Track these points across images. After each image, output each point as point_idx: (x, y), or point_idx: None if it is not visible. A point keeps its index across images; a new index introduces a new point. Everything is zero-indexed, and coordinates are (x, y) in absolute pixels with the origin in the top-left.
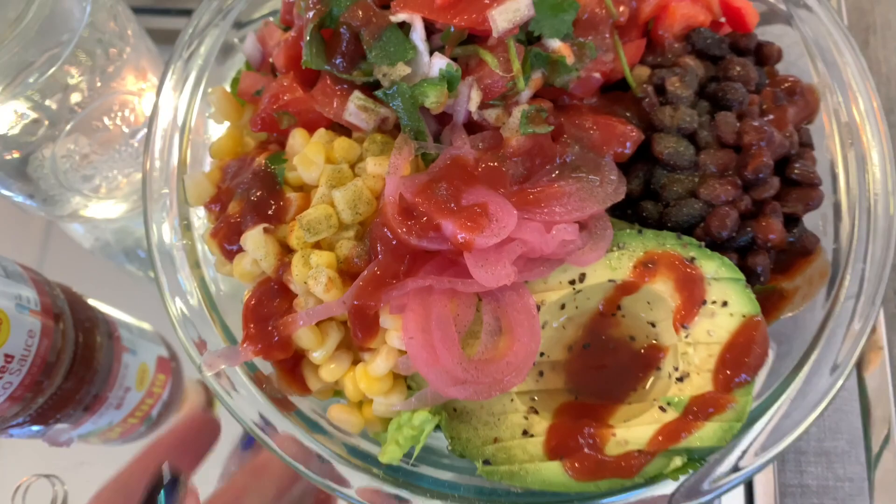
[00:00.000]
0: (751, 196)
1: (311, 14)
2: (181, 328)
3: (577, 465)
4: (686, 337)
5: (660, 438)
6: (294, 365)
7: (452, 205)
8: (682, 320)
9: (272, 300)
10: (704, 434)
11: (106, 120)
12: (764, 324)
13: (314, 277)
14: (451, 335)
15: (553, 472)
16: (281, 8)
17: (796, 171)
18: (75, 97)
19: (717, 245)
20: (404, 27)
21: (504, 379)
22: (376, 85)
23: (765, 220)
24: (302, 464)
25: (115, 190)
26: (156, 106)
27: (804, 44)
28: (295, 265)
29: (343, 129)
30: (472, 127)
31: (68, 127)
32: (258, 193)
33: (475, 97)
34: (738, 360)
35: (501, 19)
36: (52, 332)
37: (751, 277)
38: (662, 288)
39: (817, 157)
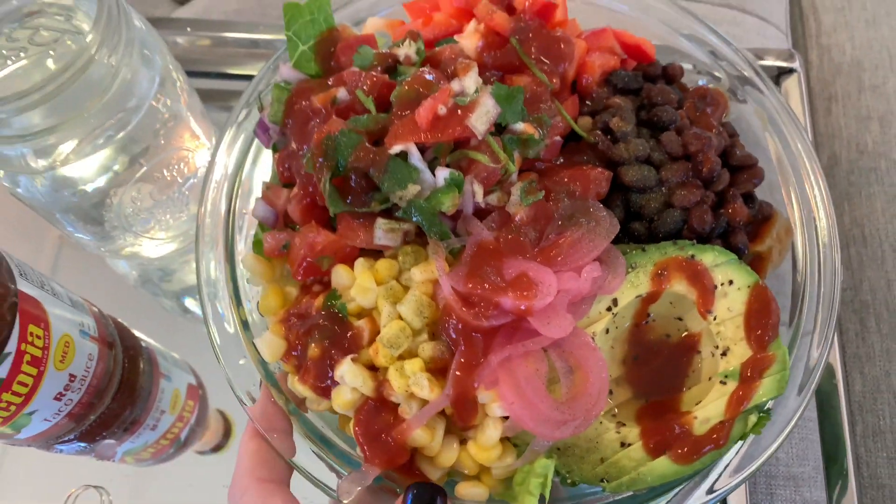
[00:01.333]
0: (712, 191)
1: (321, 169)
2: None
3: (679, 452)
4: (714, 319)
5: (732, 406)
6: (410, 463)
7: (500, 282)
8: (706, 307)
9: (378, 415)
10: (764, 389)
11: (165, 172)
12: (766, 287)
13: (416, 383)
14: (540, 389)
15: (664, 466)
16: (274, 169)
17: (736, 158)
18: (142, 153)
19: (703, 238)
20: (402, 155)
21: (592, 408)
22: (391, 208)
23: (730, 205)
24: None
25: (165, 231)
26: (212, 161)
27: (761, 120)
28: (393, 379)
29: (372, 252)
30: (477, 213)
31: (135, 178)
32: (328, 334)
33: (478, 191)
34: (760, 321)
35: (480, 124)
36: (106, 357)
37: (737, 253)
38: (679, 287)
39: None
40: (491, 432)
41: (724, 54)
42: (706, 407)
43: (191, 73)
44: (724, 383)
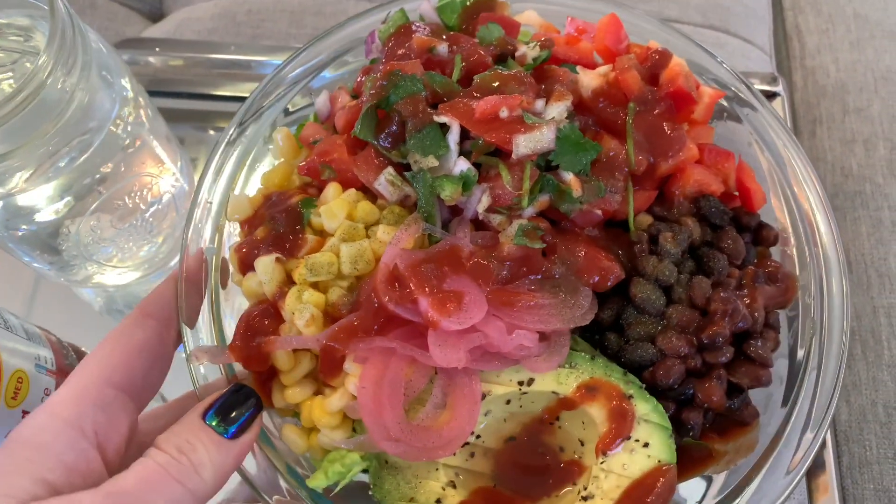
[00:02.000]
0: (703, 357)
1: (371, 94)
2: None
3: None
4: (602, 463)
5: None
6: (266, 379)
7: (434, 285)
8: (604, 447)
9: (264, 319)
10: None
11: (126, 199)
12: (674, 474)
13: (300, 312)
14: (398, 395)
15: None
16: (356, 79)
17: (751, 349)
18: (101, 180)
19: (658, 391)
20: (444, 128)
21: (434, 448)
22: (408, 167)
23: (709, 382)
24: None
25: (129, 259)
26: (201, 179)
27: (754, 140)
28: (289, 297)
29: (370, 195)
30: (478, 224)
31: (93, 206)
32: (283, 227)
33: (485, 201)
34: (640, 498)
35: (523, 145)
36: None
37: (682, 429)
38: (597, 413)
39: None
40: (336, 400)
41: (716, 73)
42: None
43: (162, 94)
44: None
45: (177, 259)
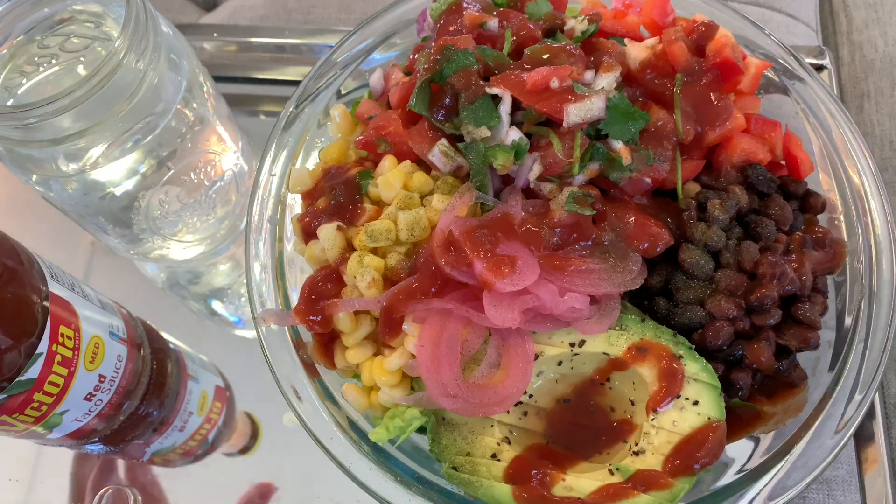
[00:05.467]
0: (751, 320)
1: (425, 68)
2: (255, 288)
3: (524, 494)
4: (652, 420)
5: (599, 494)
6: (329, 341)
7: (488, 249)
8: (655, 405)
9: (327, 283)
10: (637, 503)
11: (192, 175)
12: (724, 430)
13: (362, 275)
14: (455, 354)
15: (502, 493)
16: (409, 57)
17: (799, 312)
18: (169, 156)
19: (707, 352)
20: (496, 99)
21: (489, 404)
22: (460, 138)
23: (757, 344)
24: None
25: (192, 234)
26: (263, 155)
27: (801, 111)
28: (351, 261)
29: (424, 167)
30: (528, 193)
31: (162, 181)
32: (342, 197)
33: (536, 169)
34: (690, 453)
35: (574, 114)
36: (135, 358)
37: (730, 390)
38: (647, 373)
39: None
40: (396, 359)
41: (763, 47)
42: (579, 479)
43: (217, 79)
44: (612, 473)
45: (234, 235)
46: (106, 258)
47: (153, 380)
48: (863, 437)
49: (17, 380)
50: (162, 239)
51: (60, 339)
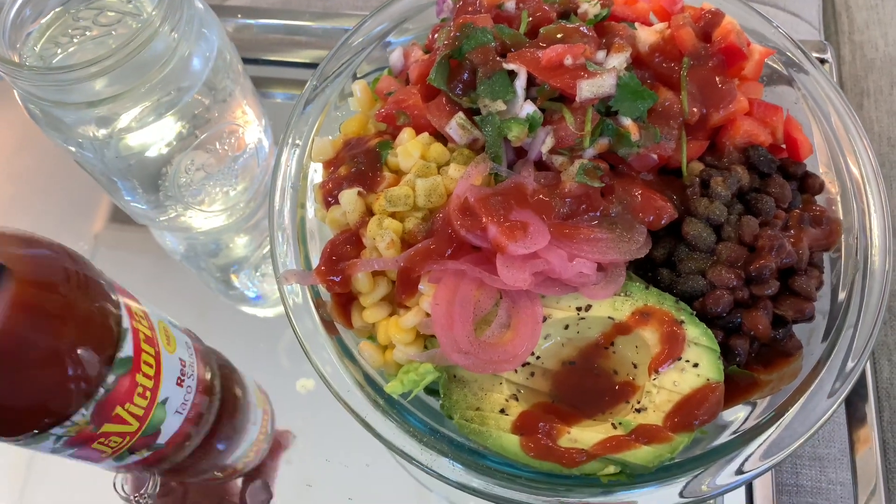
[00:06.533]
0: (750, 290)
1: (445, 44)
2: (278, 250)
3: (530, 443)
4: (654, 379)
5: (602, 445)
6: (347, 302)
7: (501, 215)
8: (657, 366)
9: (347, 246)
10: (639, 453)
11: (217, 145)
12: (722, 391)
13: (381, 236)
14: (468, 312)
15: (510, 443)
16: (428, 36)
17: (796, 283)
18: (198, 124)
19: (707, 319)
20: (511, 75)
21: (499, 361)
22: (476, 112)
23: (755, 312)
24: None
25: (215, 204)
26: (284, 136)
27: (804, 101)
28: (371, 224)
29: (441, 139)
30: (540, 166)
31: (189, 148)
32: (363, 165)
33: (549, 142)
34: (690, 411)
35: (586, 89)
36: (199, 349)
37: (729, 356)
38: (650, 336)
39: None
40: (411, 317)
41: (768, 38)
42: (583, 432)
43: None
44: (615, 427)
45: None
46: (111, 252)
47: (223, 378)
48: (856, 419)
49: (117, 356)
50: (185, 207)
51: (137, 318)
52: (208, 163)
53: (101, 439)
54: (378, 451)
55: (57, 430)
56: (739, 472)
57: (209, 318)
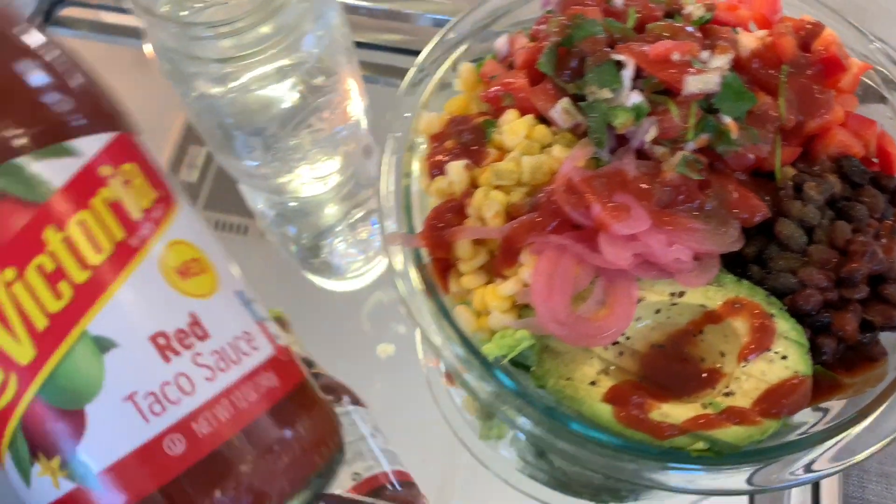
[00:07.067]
0: (840, 292)
1: (555, 32)
2: (385, 212)
3: (622, 413)
4: (743, 366)
5: (693, 422)
6: (445, 268)
7: (604, 195)
8: (746, 355)
9: (451, 213)
10: (729, 432)
11: (327, 113)
12: (809, 384)
13: (489, 206)
14: (567, 285)
15: (602, 410)
16: (533, 28)
17: (886, 290)
18: (312, 91)
19: (796, 316)
20: (619, 65)
21: (592, 336)
22: (580, 98)
23: (844, 314)
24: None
25: (315, 170)
26: (390, 115)
27: None
28: (478, 194)
29: (544, 123)
30: (640, 154)
31: (303, 112)
32: (470, 140)
33: (653, 131)
34: (778, 399)
35: (693, 84)
36: None
37: (815, 354)
38: (740, 326)
39: None
40: (511, 285)
41: (866, 53)
42: (674, 408)
43: None
44: (705, 407)
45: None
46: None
47: None
48: None
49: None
50: (289, 170)
51: None
52: (317, 129)
53: None
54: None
55: None
56: (808, 469)
57: (287, 287)
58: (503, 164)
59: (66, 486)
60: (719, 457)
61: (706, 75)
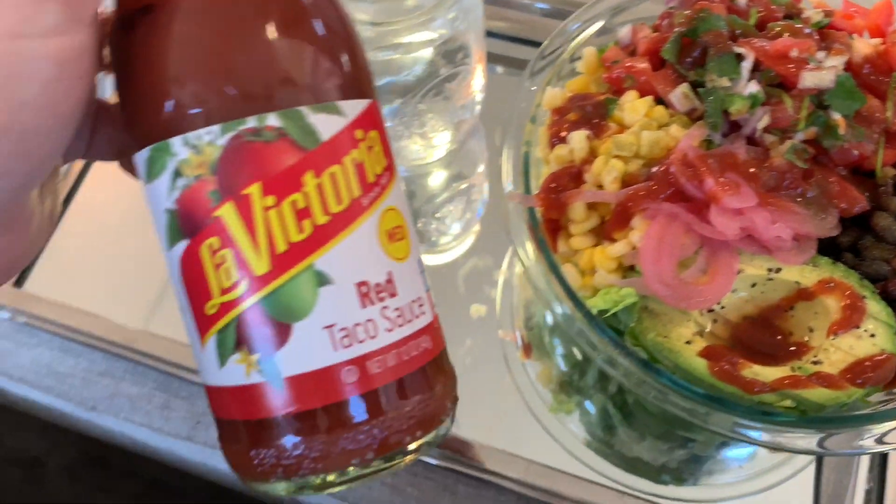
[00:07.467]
0: None
1: (681, 23)
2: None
3: (716, 367)
4: (832, 339)
5: (782, 381)
6: (555, 229)
7: (717, 171)
8: (836, 330)
9: (567, 178)
10: (817, 393)
11: (455, 83)
12: (895, 361)
13: (608, 172)
14: (675, 250)
15: (697, 363)
16: (656, 22)
17: None
18: (446, 62)
19: (888, 301)
20: (739, 57)
21: (692, 299)
22: (699, 85)
23: None
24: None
25: (433, 138)
26: (519, 92)
27: None
28: (598, 162)
29: (662, 105)
30: (749, 141)
31: (435, 80)
32: (592, 113)
33: (765, 119)
34: (865, 371)
35: (808, 80)
36: None
37: None
38: (832, 304)
39: None
40: (619, 246)
41: None
42: (765, 369)
43: None
44: (794, 370)
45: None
46: None
47: None
48: None
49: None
50: (410, 135)
51: None
52: (446, 96)
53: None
54: None
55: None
56: (880, 441)
57: None
58: (624, 136)
59: (255, 378)
60: (803, 416)
61: (821, 73)
